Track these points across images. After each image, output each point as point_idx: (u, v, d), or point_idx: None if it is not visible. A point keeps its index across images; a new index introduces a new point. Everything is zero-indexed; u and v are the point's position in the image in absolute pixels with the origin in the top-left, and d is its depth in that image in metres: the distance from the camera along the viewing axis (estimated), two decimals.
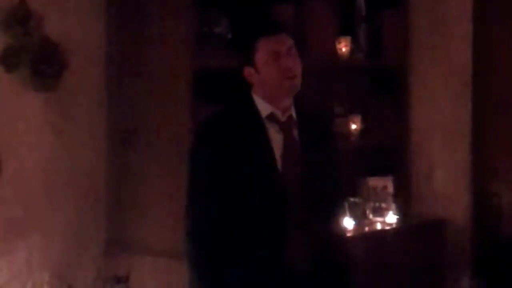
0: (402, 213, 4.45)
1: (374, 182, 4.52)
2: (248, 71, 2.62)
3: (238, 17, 3.80)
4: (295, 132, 2.63)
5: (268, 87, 2.59)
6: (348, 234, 4.12)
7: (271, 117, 2.60)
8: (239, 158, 2.54)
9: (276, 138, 2.59)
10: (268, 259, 2.53)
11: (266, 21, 2.60)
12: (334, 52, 4.35)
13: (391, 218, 4.37)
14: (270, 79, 2.58)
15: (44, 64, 3.64)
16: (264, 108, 2.61)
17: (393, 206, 4.43)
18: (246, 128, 2.58)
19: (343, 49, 4.35)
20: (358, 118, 4.46)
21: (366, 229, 4.29)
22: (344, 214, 4.16)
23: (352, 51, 4.39)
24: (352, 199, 4.33)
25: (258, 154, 2.56)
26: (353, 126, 4.43)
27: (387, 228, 4.33)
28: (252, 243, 2.54)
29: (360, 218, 4.31)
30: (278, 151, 2.57)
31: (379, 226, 4.34)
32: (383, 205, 4.42)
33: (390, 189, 4.53)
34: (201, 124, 2.65)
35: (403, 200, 4.56)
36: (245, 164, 2.54)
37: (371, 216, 4.39)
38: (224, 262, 2.55)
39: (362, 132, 4.48)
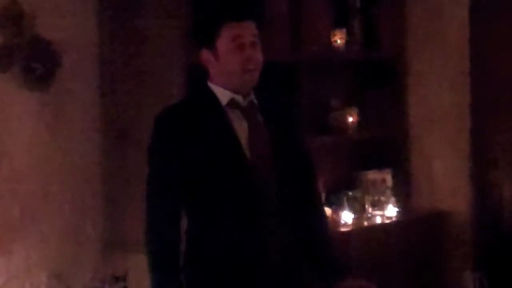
0: (402, 206, 4.43)
1: (373, 175, 4.49)
2: (206, 54, 2.51)
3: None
4: (259, 117, 2.54)
5: (225, 76, 2.49)
6: (347, 228, 4.12)
7: (232, 103, 2.50)
8: (203, 149, 2.45)
9: (240, 125, 2.50)
10: (240, 247, 2.47)
11: (233, 5, 2.48)
12: (329, 44, 4.32)
13: (391, 211, 4.34)
14: (229, 69, 2.47)
15: (37, 63, 3.64)
16: (223, 95, 2.50)
17: (393, 199, 4.40)
18: (207, 117, 2.48)
19: (338, 41, 4.32)
20: (355, 111, 4.41)
21: (365, 223, 4.27)
22: (342, 207, 4.16)
23: (347, 43, 4.35)
24: (351, 193, 4.32)
25: (223, 143, 2.46)
26: (350, 119, 4.38)
27: (387, 221, 4.31)
28: (225, 231, 2.47)
29: (359, 212, 4.28)
30: (244, 137, 2.48)
31: (378, 220, 4.31)
32: (382, 198, 4.39)
33: (389, 182, 4.50)
34: (158, 118, 2.52)
35: (403, 193, 4.53)
36: (211, 155, 2.45)
37: (370, 209, 4.36)
38: (196, 255, 2.51)
39: (360, 125, 4.44)
